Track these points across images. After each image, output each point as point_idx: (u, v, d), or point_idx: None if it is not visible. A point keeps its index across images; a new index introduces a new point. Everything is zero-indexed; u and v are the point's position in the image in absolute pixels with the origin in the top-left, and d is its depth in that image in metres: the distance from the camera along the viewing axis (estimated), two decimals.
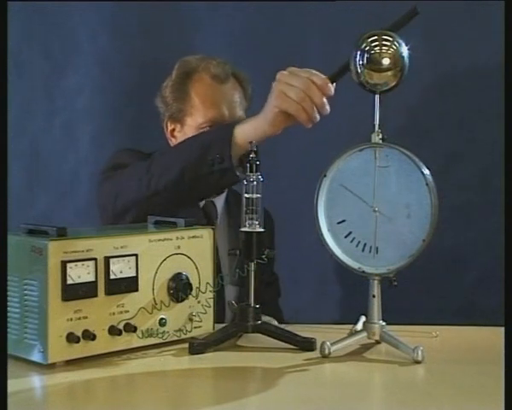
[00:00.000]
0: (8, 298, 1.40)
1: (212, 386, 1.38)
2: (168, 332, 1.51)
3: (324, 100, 1.55)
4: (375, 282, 1.49)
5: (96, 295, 1.41)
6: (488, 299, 2.46)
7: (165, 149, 1.93)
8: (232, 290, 2.00)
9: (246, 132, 1.64)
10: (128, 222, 1.81)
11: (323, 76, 1.55)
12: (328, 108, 1.56)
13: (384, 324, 1.50)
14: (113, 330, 1.43)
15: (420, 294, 2.49)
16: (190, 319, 1.54)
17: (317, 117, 1.57)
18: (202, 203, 2.07)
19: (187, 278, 1.52)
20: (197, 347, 1.48)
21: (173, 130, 2.12)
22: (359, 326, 1.61)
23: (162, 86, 2.13)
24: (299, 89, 1.54)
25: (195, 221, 1.58)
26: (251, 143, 1.54)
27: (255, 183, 1.53)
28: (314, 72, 1.55)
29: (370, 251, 1.49)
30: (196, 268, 1.55)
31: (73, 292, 1.38)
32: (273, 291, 2.22)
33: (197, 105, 2.06)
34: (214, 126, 1.98)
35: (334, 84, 1.56)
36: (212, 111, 2.04)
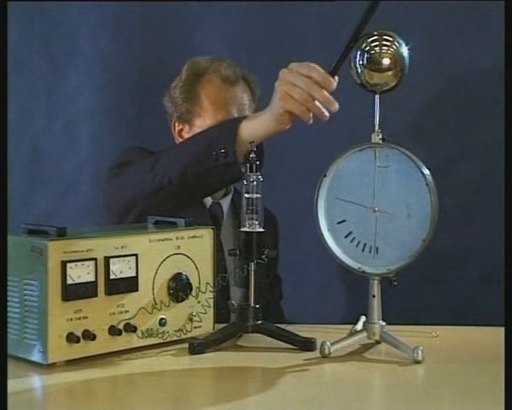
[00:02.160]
0: (8, 298, 1.40)
1: (212, 386, 1.38)
2: (168, 332, 1.51)
3: (328, 96, 1.52)
4: (375, 282, 1.49)
5: (95, 295, 1.41)
6: (488, 299, 2.46)
7: (171, 145, 1.92)
8: (237, 292, 1.99)
9: (252, 128, 1.62)
10: (132, 220, 1.80)
11: (323, 71, 1.52)
12: (336, 104, 1.53)
13: (384, 324, 1.50)
14: (113, 330, 1.43)
15: (420, 294, 2.49)
16: (190, 319, 1.54)
17: (326, 114, 1.54)
18: (208, 204, 2.07)
19: (187, 278, 1.52)
20: (197, 347, 1.48)
21: (181, 130, 2.12)
22: (359, 326, 1.61)
23: (171, 86, 2.12)
24: (302, 89, 1.51)
25: (195, 221, 1.58)
26: (251, 143, 1.54)
27: (255, 183, 1.53)
28: (314, 66, 1.52)
29: (370, 251, 1.49)
30: (196, 268, 1.55)
31: (73, 292, 1.38)
32: (275, 293, 2.22)
33: (207, 107, 2.06)
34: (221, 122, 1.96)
35: (336, 77, 1.54)
36: (222, 113, 2.03)
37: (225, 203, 2.10)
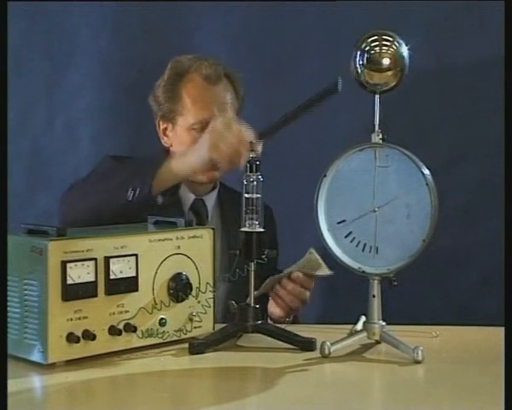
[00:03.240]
0: (8, 298, 1.40)
1: (212, 386, 1.38)
2: (168, 332, 1.51)
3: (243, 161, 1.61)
4: (375, 282, 1.49)
5: (95, 295, 1.41)
6: (488, 299, 2.46)
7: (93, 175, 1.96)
8: (222, 286, 1.99)
9: (181, 167, 1.79)
10: None
11: (253, 134, 1.64)
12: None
13: (384, 324, 1.50)
14: (113, 330, 1.43)
15: (420, 294, 2.49)
16: (190, 319, 1.54)
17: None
18: (190, 201, 2.08)
19: (187, 278, 1.52)
20: (197, 347, 1.48)
21: (165, 129, 2.12)
22: (359, 326, 1.61)
23: (155, 85, 2.14)
24: (232, 145, 1.66)
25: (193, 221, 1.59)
26: (250, 143, 1.55)
27: (255, 183, 1.53)
28: (246, 128, 1.66)
29: (370, 251, 1.49)
30: (196, 268, 1.55)
31: (73, 292, 1.38)
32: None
33: (188, 106, 2.07)
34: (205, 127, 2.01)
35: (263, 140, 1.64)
36: (204, 112, 2.04)
37: (210, 200, 2.11)
